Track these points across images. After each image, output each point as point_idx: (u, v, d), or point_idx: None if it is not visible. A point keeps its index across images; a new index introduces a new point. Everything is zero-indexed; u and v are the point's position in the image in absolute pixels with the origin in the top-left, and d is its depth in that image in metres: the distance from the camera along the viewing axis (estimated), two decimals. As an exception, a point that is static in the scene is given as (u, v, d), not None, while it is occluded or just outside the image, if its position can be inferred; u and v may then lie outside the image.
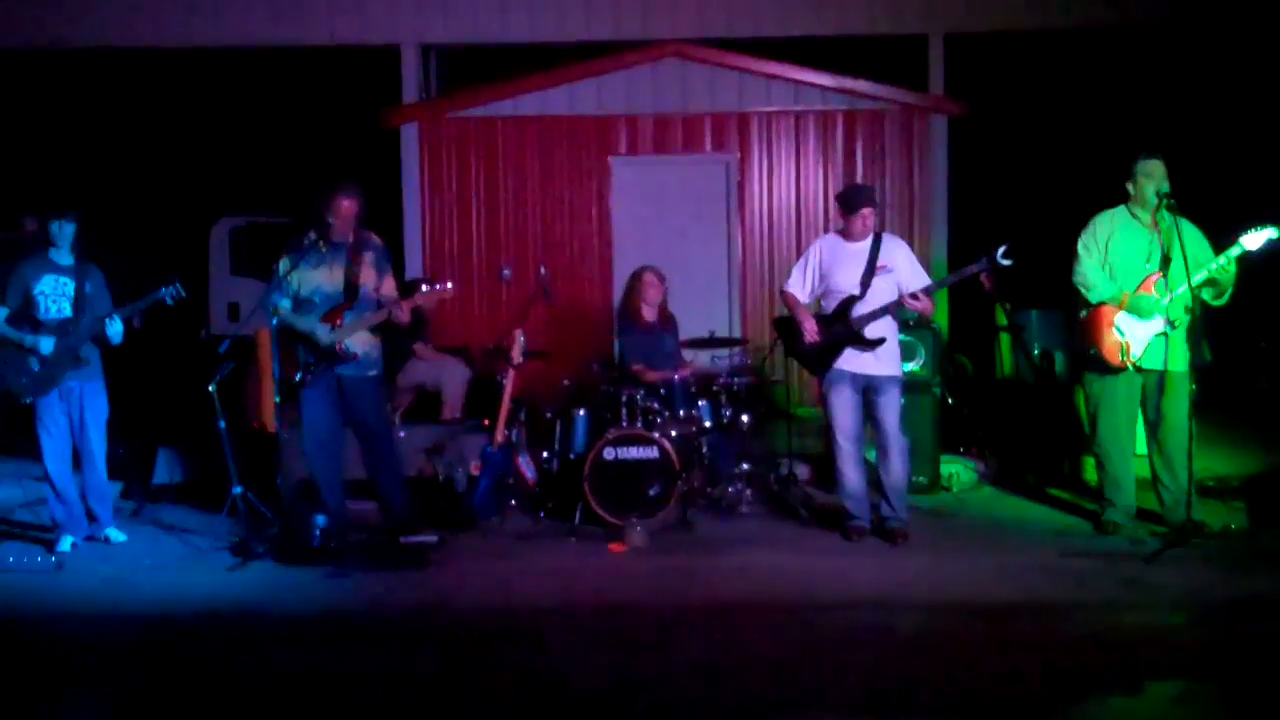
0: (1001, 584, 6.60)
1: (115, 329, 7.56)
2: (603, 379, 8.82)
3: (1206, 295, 7.27)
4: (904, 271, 7.49)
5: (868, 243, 7.52)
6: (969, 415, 9.44)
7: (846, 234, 7.60)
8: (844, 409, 7.58)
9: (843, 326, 7.50)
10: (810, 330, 7.58)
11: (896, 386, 7.56)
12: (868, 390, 7.54)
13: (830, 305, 7.63)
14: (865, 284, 7.46)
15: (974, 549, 7.39)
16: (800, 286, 7.76)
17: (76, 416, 7.71)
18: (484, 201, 12.32)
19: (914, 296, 7.30)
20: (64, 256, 7.66)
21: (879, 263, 7.46)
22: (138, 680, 5.45)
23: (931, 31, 12.52)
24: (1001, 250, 7.01)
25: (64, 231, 7.61)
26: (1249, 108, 14.07)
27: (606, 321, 11.60)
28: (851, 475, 7.65)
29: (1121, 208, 7.50)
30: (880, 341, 7.41)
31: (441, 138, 12.34)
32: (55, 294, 7.59)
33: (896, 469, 7.54)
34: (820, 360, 7.61)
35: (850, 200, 7.57)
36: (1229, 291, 7.21)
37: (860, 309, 7.46)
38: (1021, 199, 15.07)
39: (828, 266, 7.64)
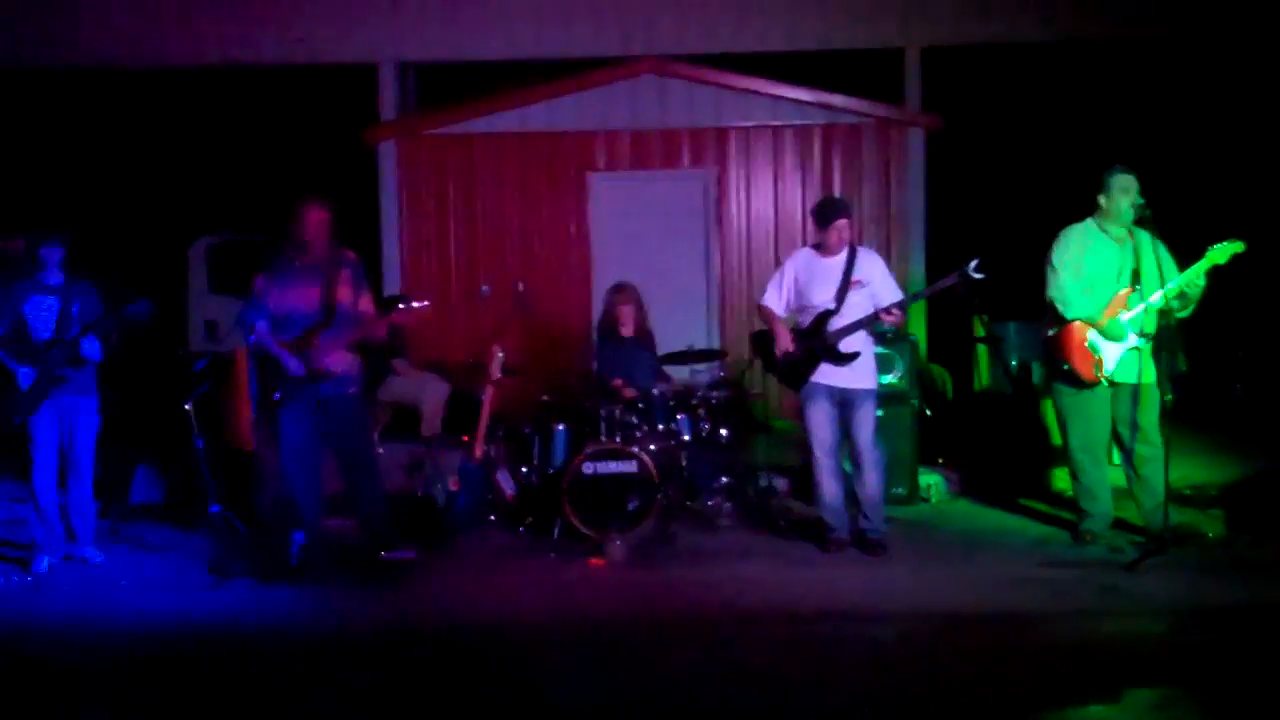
0: (980, 594, 6.62)
1: (91, 348, 7.53)
2: (581, 394, 8.81)
3: (1175, 305, 7.28)
4: (878, 285, 7.52)
5: (843, 257, 7.55)
6: (946, 427, 9.46)
7: (822, 248, 7.62)
8: (820, 422, 7.60)
9: (818, 341, 7.52)
10: (785, 344, 7.60)
11: (871, 400, 7.59)
12: (843, 403, 7.56)
13: (806, 320, 7.65)
14: (840, 298, 7.49)
15: (953, 559, 7.41)
16: (776, 301, 7.78)
17: (67, 432, 7.69)
18: (462, 218, 12.31)
19: (888, 311, 7.33)
20: (52, 276, 7.67)
21: (854, 277, 7.49)
22: (114, 700, 5.41)
23: (908, 44, 12.55)
24: (974, 264, 7.05)
25: (52, 255, 7.63)
26: (1226, 121, 14.16)
27: (585, 337, 11.58)
28: (829, 488, 7.67)
29: (1090, 221, 7.53)
30: (854, 356, 7.43)
31: (419, 155, 12.33)
32: (41, 314, 7.59)
33: (871, 482, 7.57)
34: (796, 374, 7.63)
35: (825, 213, 7.59)
36: (1194, 305, 7.25)
37: (835, 323, 7.48)
38: (999, 212, 15.12)
39: (803, 281, 7.67)
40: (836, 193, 11.83)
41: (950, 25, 12.52)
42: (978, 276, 7.04)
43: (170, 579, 7.39)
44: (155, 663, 5.91)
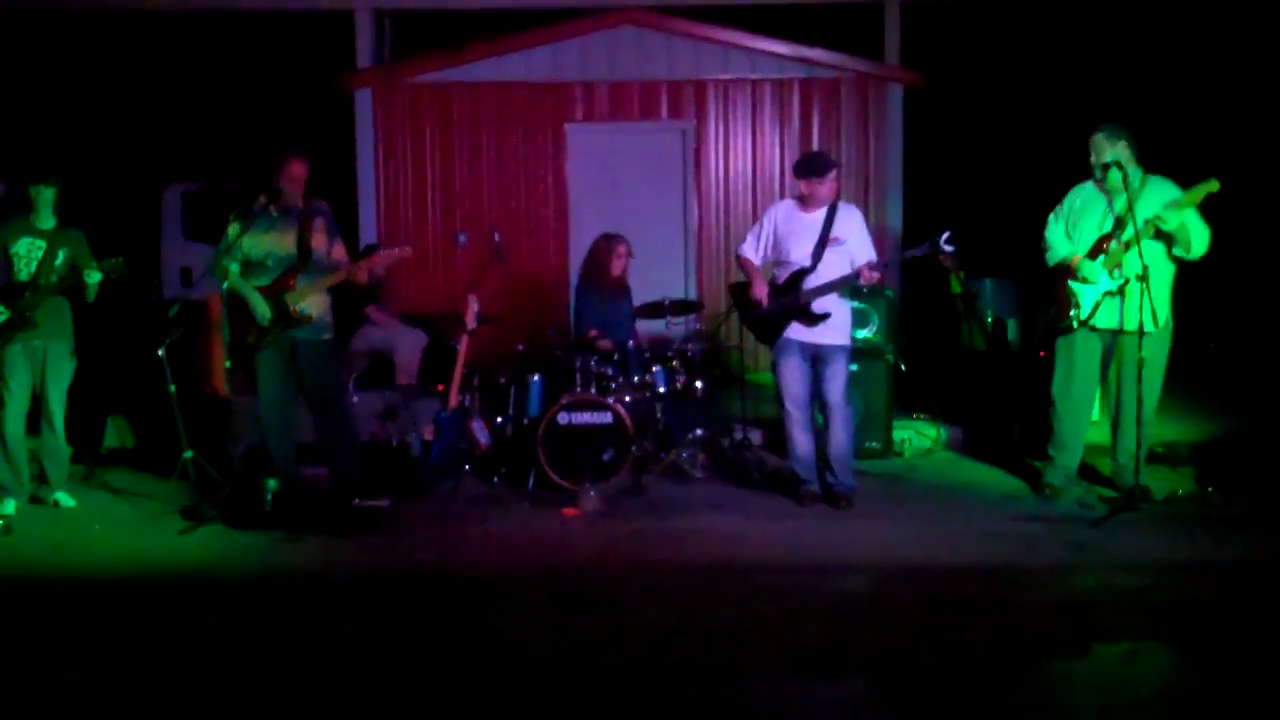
0: (951, 547, 6.67)
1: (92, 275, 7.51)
2: (557, 344, 8.81)
3: (1178, 253, 7.26)
4: (855, 243, 7.49)
5: (823, 212, 7.52)
6: (922, 382, 9.49)
7: (804, 201, 7.60)
8: (792, 377, 7.62)
9: (791, 298, 7.51)
10: (761, 298, 7.61)
11: (842, 356, 7.59)
12: (815, 359, 7.57)
13: (782, 276, 7.64)
14: (816, 256, 7.47)
15: (925, 513, 7.44)
16: (754, 251, 7.78)
17: (39, 375, 7.65)
18: (439, 167, 12.26)
19: (869, 269, 7.29)
20: (44, 220, 7.63)
21: (832, 234, 7.46)
22: (88, 643, 5.41)
23: (888, 0, 12.52)
24: (945, 236, 7.04)
25: (42, 196, 7.60)
26: (1210, 74, 14.15)
27: (561, 287, 11.60)
28: (801, 441, 7.70)
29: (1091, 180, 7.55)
30: (825, 317, 7.43)
31: (396, 103, 12.26)
32: (28, 256, 7.56)
33: (839, 437, 7.60)
34: (769, 329, 7.64)
35: (810, 167, 7.56)
36: (1195, 244, 7.18)
37: (810, 282, 7.47)
38: (978, 169, 15.14)
39: (781, 234, 7.65)
40: (815, 147, 11.82)
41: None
42: (948, 249, 7.04)
43: (143, 524, 7.38)
44: (126, 605, 5.90)
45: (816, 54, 12.12)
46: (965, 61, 14.89)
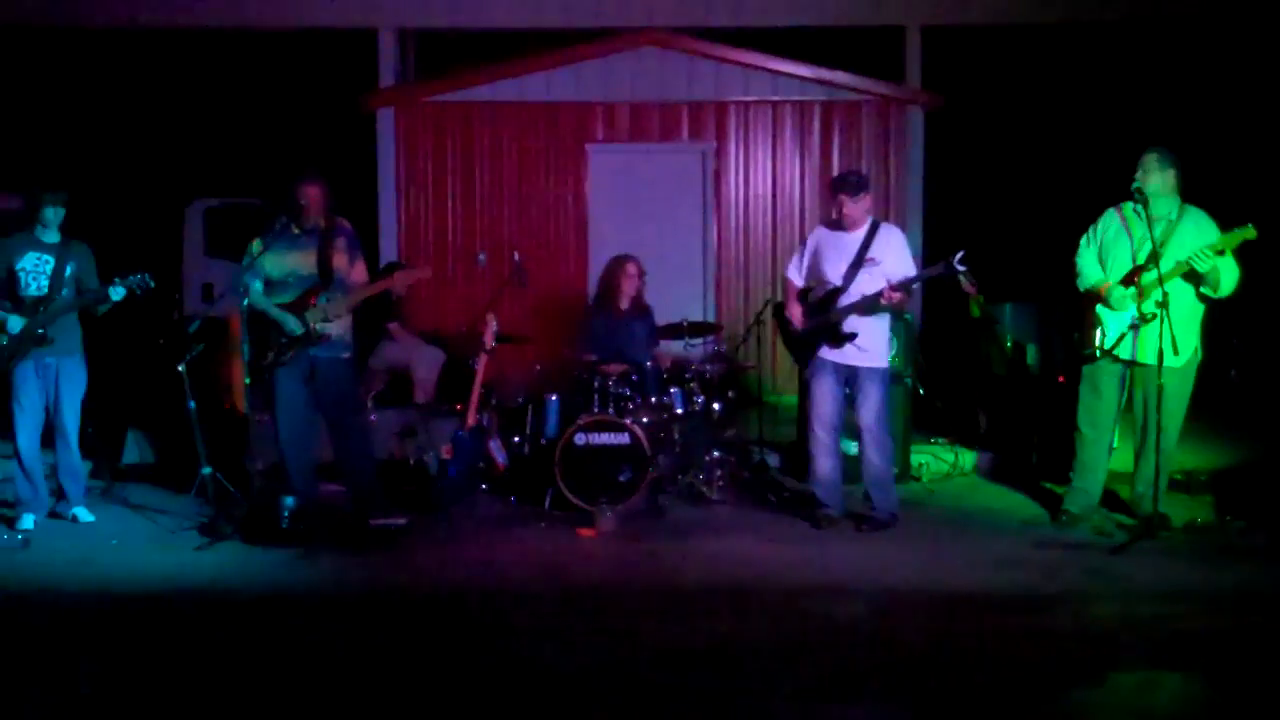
0: (967, 573, 6.63)
1: (116, 291, 7.52)
2: (575, 365, 8.82)
3: (1206, 291, 7.18)
4: (892, 264, 7.38)
5: (861, 233, 7.47)
6: (940, 406, 9.48)
7: (839, 220, 7.57)
8: (823, 398, 7.59)
9: (822, 318, 7.51)
10: (794, 316, 7.61)
11: (878, 379, 7.50)
12: (850, 381, 7.54)
13: (818, 296, 7.64)
14: (849, 277, 7.43)
15: (942, 539, 7.41)
16: (796, 273, 7.82)
17: (53, 392, 7.68)
18: (460, 187, 12.31)
19: (893, 290, 7.23)
20: (50, 234, 7.66)
21: (868, 254, 7.42)
22: (104, 658, 5.42)
23: (909, 23, 12.56)
24: (959, 256, 6.99)
25: (48, 211, 7.60)
26: (1233, 103, 14.12)
27: (580, 307, 11.58)
28: (824, 464, 7.67)
29: (1130, 202, 7.37)
30: (852, 336, 7.39)
31: (418, 122, 12.31)
32: (36, 271, 7.58)
33: (874, 461, 7.54)
34: (804, 349, 7.64)
35: (842, 182, 7.53)
36: (1224, 284, 7.10)
37: (842, 301, 7.45)
38: (998, 192, 15.11)
39: (819, 255, 7.64)
40: (835, 170, 11.81)
41: (952, 4, 12.54)
42: (961, 269, 7.00)
43: (160, 539, 7.40)
44: (143, 621, 5.91)
45: (837, 76, 12.15)
46: (986, 84, 14.88)
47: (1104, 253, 7.47)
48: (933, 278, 7.33)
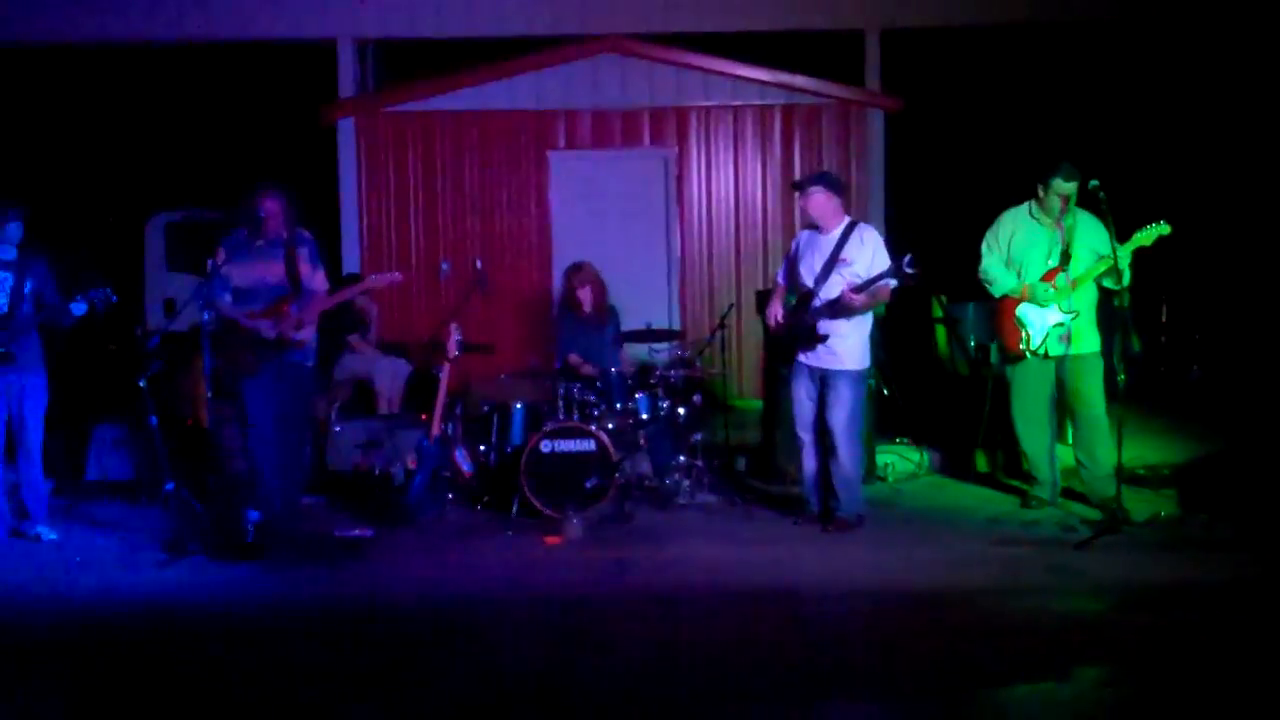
0: (933, 572, 6.66)
1: (78, 307, 7.47)
2: (540, 372, 8.81)
3: (1109, 284, 7.58)
4: (864, 265, 7.39)
5: (836, 234, 7.50)
6: (903, 404, 9.52)
7: (814, 223, 7.64)
8: (799, 400, 7.68)
9: (797, 320, 7.54)
10: (770, 317, 7.70)
11: (845, 380, 7.49)
12: (822, 382, 7.57)
13: (798, 296, 7.71)
14: (821, 279, 7.47)
15: (908, 538, 7.43)
16: (782, 274, 7.95)
17: (15, 410, 7.60)
18: (422, 196, 12.29)
19: (854, 292, 7.27)
20: (6, 251, 7.57)
21: (841, 255, 7.44)
22: (68, 678, 5.38)
23: (868, 27, 12.60)
24: (907, 259, 7.04)
25: (7, 229, 7.52)
26: (1185, 105, 14.25)
27: (545, 315, 11.60)
28: (806, 465, 7.79)
29: (1026, 205, 7.82)
30: (824, 339, 7.42)
31: (379, 133, 12.29)
32: None
33: (840, 461, 7.55)
34: (782, 351, 7.73)
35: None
36: (1126, 278, 7.35)
37: (814, 303, 7.49)
38: (958, 194, 15.17)
39: (798, 258, 7.70)
40: (797, 173, 11.83)
41: (910, 7, 12.58)
42: (910, 272, 7.05)
43: (124, 556, 7.33)
44: (107, 639, 5.87)
45: (798, 80, 12.19)
46: (945, 87, 14.96)
47: (1012, 256, 7.80)
48: (885, 280, 7.32)
